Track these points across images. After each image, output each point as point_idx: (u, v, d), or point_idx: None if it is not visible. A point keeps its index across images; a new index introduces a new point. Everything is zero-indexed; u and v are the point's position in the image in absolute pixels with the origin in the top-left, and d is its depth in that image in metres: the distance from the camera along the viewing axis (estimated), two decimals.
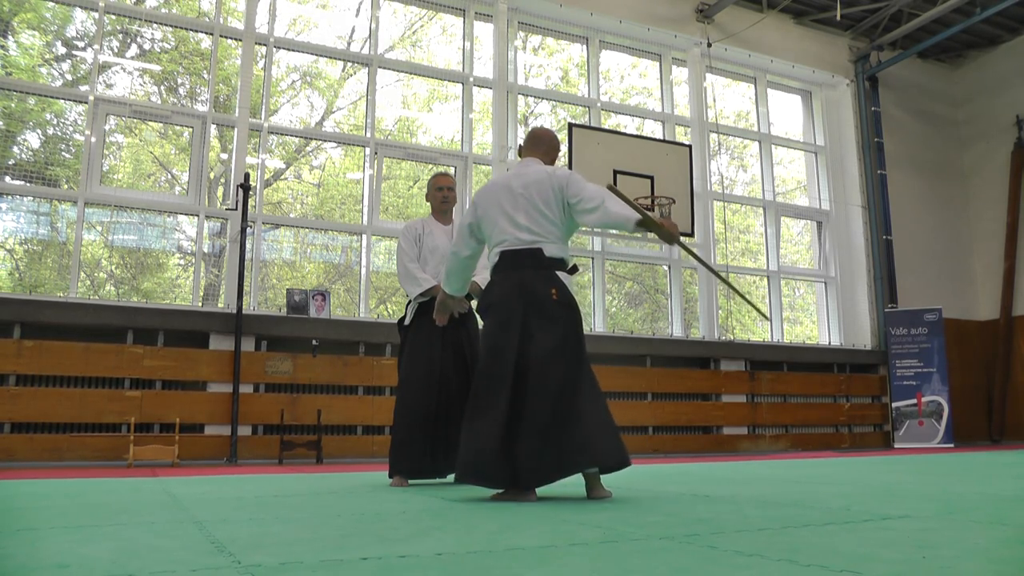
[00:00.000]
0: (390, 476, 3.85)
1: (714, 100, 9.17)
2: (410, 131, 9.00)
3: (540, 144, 3.36)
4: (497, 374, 2.95)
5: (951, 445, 8.42)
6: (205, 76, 7.47)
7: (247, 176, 6.60)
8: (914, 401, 8.77)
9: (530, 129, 3.63)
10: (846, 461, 5.98)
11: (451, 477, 4.03)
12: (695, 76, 9.11)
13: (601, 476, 2.99)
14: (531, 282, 3.03)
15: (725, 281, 3.44)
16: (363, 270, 7.35)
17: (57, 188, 6.66)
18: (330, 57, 8.08)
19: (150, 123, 7.29)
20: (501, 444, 2.83)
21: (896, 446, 8.71)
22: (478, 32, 8.29)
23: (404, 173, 8.51)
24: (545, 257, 3.06)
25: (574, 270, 3.19)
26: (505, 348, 2.97)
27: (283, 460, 6.04)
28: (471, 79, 8.09)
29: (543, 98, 9.25)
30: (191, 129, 7.03)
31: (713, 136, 9.25)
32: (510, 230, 3.10)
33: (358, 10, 8.41)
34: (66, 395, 5.71)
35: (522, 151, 3.38)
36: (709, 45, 8.97)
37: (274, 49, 7.46)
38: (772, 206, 9.47)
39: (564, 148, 8.13)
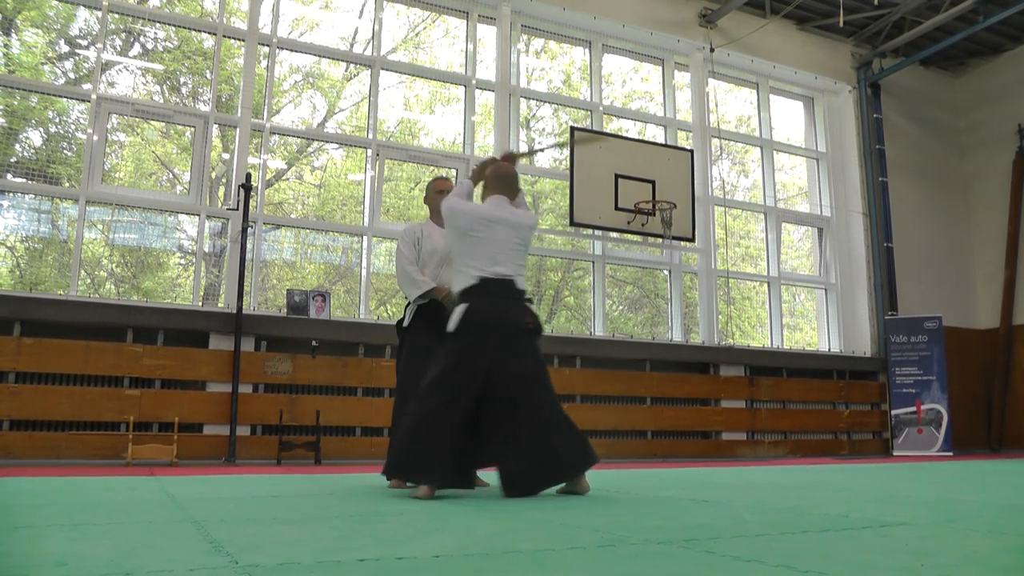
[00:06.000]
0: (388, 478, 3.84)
1: (716, 105, 9.18)
2: (412, 133, 9.02)
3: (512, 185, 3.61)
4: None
5: (950, 453, 8.41)
6: (208, 76, 7.49)
7: (248, 176, 6.60)
8: (913, 409, 8.76)
9: (501, 167, 3.72)
10: (845, 468, 5.97)
11: None
12: (697, 81, 9.12)
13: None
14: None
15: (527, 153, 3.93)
16: (363, 271, 7.35)
17: (59, 186, 6.66)
18: (333, 58, 8.09)
19: (152, 122, 7.30)
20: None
21: (895, 453, 8.70)
22: (481, 35, 8.30)
23: (405, 175, 8.51)
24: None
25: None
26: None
27: (281, 461, 6.04)
28: (473, 82, 8.10)
29: (545, 101, 9.27)
30: (193, 129, 7.03)
31: (715, 141, 9.25)
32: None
33: (361, 11, 8.43)
34: (65, 393, 5.70)
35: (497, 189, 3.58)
36: (712, 50, 8.97)
37: (277, 49, 7.45)
38: (773, 212, 9.47)
39: (566, 152, 8.14)
